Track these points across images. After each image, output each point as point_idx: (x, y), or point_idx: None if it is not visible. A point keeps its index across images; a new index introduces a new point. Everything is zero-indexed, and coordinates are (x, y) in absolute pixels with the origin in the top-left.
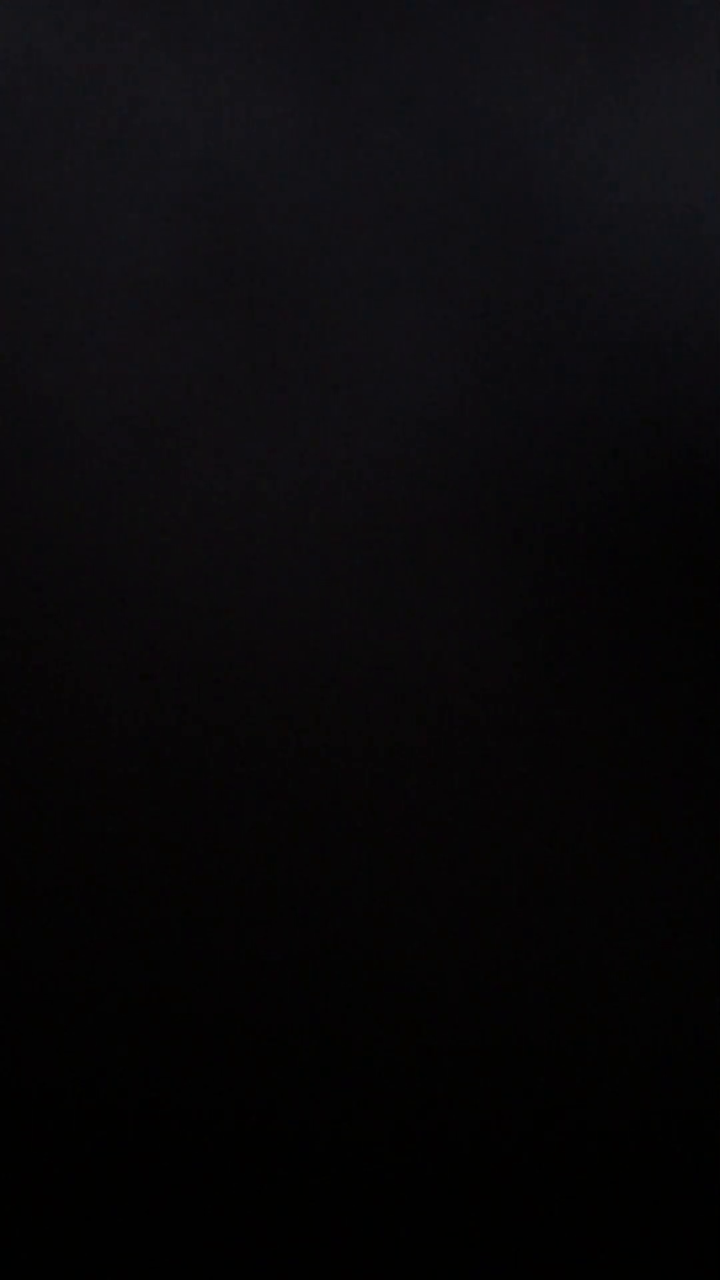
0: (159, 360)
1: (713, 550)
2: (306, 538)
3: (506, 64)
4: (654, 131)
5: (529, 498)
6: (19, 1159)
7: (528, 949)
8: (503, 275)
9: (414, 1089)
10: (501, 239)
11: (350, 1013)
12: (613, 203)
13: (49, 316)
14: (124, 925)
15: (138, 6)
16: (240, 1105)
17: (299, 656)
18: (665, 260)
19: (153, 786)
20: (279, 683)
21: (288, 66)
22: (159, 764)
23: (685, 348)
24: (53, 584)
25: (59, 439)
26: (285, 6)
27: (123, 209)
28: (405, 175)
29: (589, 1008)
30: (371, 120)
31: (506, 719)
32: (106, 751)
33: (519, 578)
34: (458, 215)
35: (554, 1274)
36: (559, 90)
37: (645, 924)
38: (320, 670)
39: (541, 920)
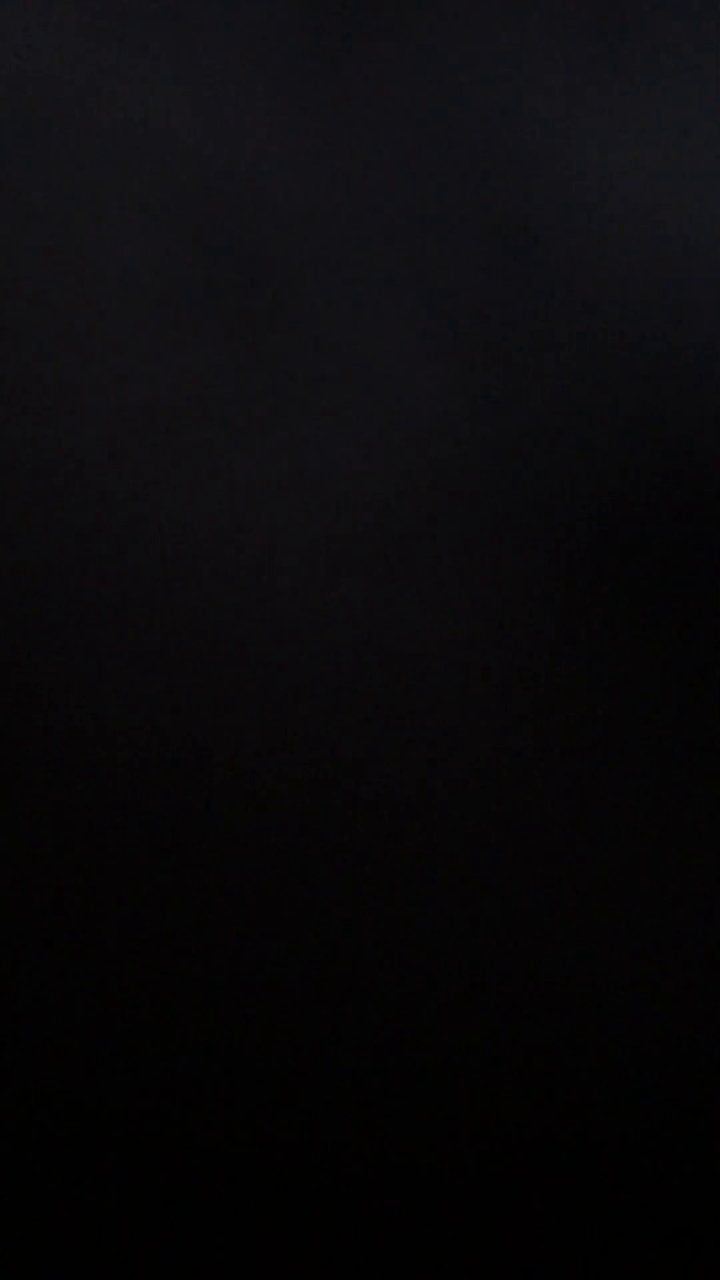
0: (154, 368)
1: (712, 553)
2: (303, 544)
3: (503, 72)
4: (650, 139)
5: (526, 503)
6: (19, 1161)
7: (528, 953)
8: (500, 283)
9: (413, 1095)
10: (499, 247)
11: (350, 1019)
12: (609, 210)
13: (44, 323)
14: (124, 932)
15: (135, 14)
16: (239, 1116)
17: (297, 662)
18: (663, 267)
19: (154, 796)
20: (276, 687)
21: (283, 76)
22: (160, 774)
23: (682, 354)
24: (47, 591)
25: (53, 446)
26: (281, 16)
27: (118, 217)
28: (400, 184)
29: (590, 1014)
30: (367, 129)
31: (507, 723)
32: (107, 761)
33: (517, 583)
34: (454, 223)
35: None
36: (555, 97)
37: (647, 925)
38: (318, 676)
39: (543, 922)
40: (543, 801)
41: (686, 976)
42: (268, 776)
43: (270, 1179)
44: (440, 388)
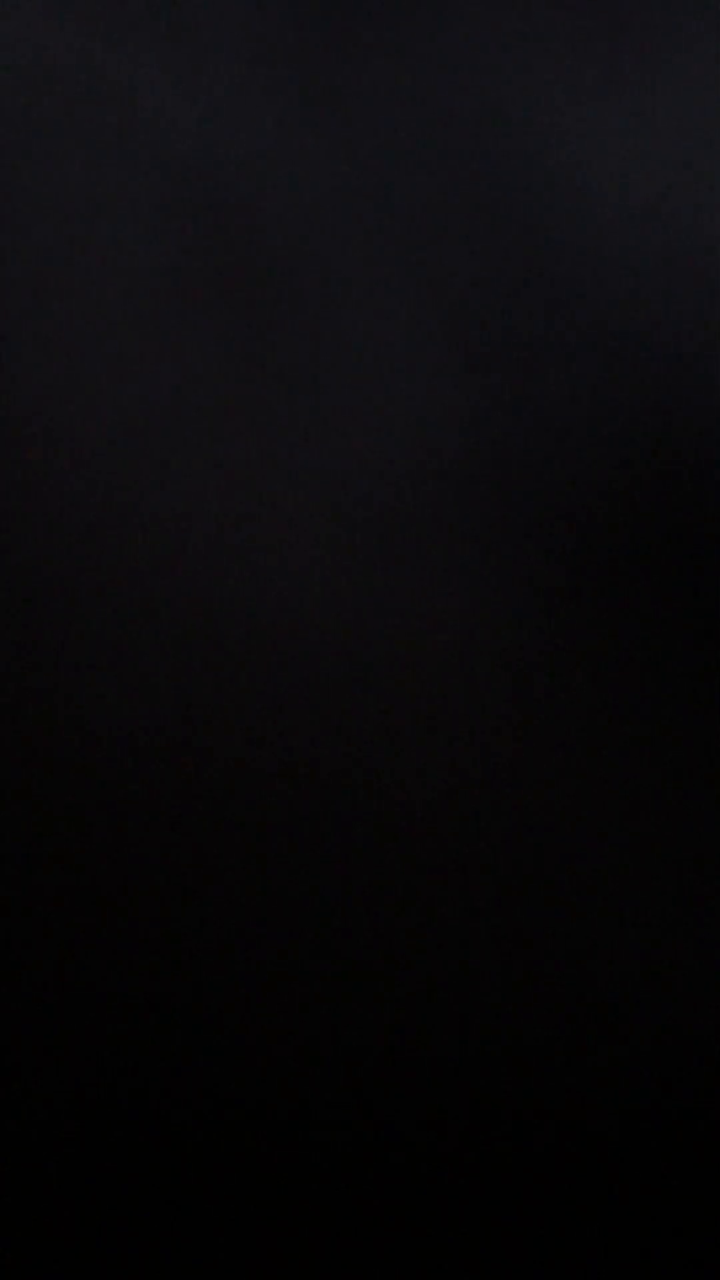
0: (154, 361)
1: (711, 549)
2: (302, 545)
3: (504, 73)
4: (650, 133)
5: (527, 505)
6: (18, 1161)
7: (527, 954)
8: (499, 278)
9: (414, 1096)
10: (498, 241)
11: (350, 1022)
12: (609, 204)
13: (43, 318)
14: (123, 934)
15: (134, 10)
16: (238, 1122)
17: (296, 656)
18: (662, 260)
19: (153, 792)
20: (274, 686)
21: (283, 70)
22: (158, 774)
23: (682, 347)
24: (47, 588)
25: (52, 440)
26: (281, 11)
27: (118, 211)
28: (400, 177)
29: (589, 1017)
30: (367, 123)
31: (504, 720)
32: (108, 755)
33: (517, 585)
34: (454, 217)
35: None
36: (555, 91)
37: (645, 926)
38: (316, 676)
39: (541, 922)
40: (541, 802)
41: (686, 976)
42: (267, 775)
43: (270, 1180)
44: (441, 389)
